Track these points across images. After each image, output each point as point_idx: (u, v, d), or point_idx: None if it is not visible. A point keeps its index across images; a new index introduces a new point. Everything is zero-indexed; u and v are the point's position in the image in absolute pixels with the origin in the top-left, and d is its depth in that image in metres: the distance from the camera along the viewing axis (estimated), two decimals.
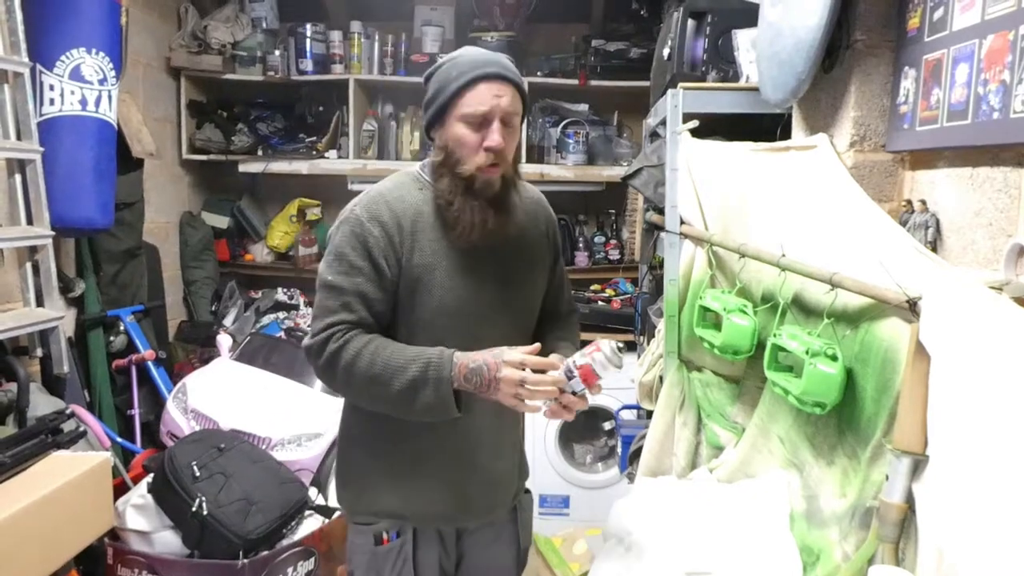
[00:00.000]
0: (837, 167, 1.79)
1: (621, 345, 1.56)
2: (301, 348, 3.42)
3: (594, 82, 4.35)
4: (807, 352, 1.57)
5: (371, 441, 1.76)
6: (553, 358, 1.63)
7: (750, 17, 2.28)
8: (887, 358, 1.46)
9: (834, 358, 1.55)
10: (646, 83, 3.45)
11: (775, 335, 1.72)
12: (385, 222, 1.62)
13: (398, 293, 1.64)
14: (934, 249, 1.59)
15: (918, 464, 1.32)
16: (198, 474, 2.53)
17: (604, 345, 1.55)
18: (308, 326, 1.63)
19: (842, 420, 1.62)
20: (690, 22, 2.49)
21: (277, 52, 4.40)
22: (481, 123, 1.57)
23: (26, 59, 2.73)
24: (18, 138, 2.75)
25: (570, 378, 1.56)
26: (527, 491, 1.99)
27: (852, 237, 1.64)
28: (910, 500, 1.33)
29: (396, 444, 1.73)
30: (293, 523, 2.66)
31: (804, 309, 1.79)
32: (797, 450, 1.77)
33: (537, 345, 1.62)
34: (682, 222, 2.37)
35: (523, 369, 1.52)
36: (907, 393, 1.33)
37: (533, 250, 1.80)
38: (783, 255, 1.78)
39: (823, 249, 1.71)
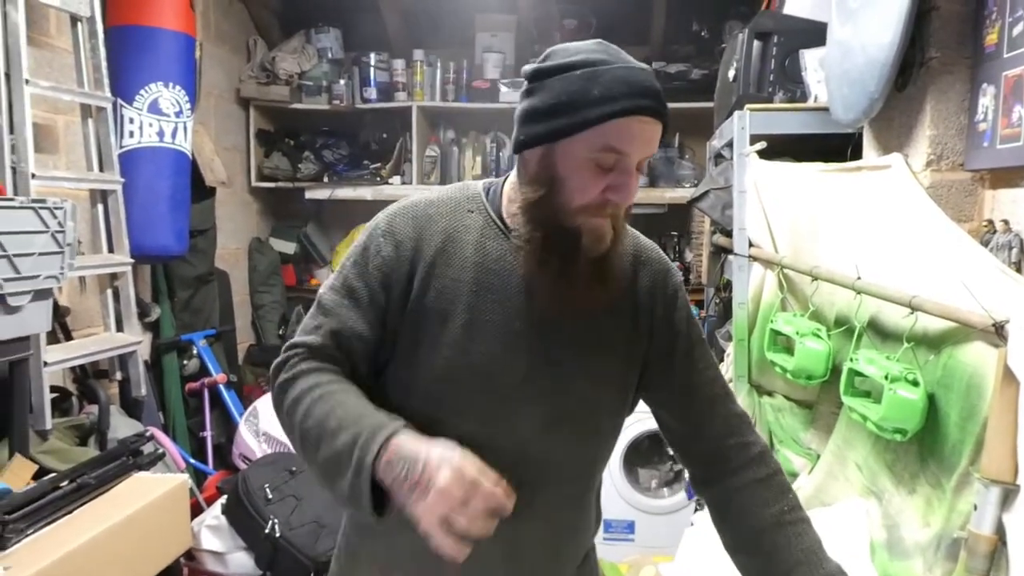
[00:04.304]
0: (913, 187, 1.75)
1: None
2: None
3: None
4: (886, 377, 1.53)
5: (348, 528, 1.34)
6: None
7: (817, 36, 2.26)
8: (972, 383, 1.41)
9: (915, 383, 1.51)
10: (707, 104, 3.43)
11: (851, 359, 1.69)
12: (401, 241, 1.18)
13: (398, 342, 1.19)
14: (1019, 270, 1.55)
15: (1008, 494, 1.28)
16: (270, 496, 2.58)
17: None
18: None
19: (924, 447, 1.57)
20: (756, 43, 2.48)
21: (342, 81, 4.50)
22: (613, 166, 1.09)
23: (108, 94, 2.85)
24: (100, 169, 2.87)
25: None
26: None
27: (931, 258, 1.60)
28: (1000, 531, 1.29)
29: (363, 539, 1.31)
30: None
31: (881, 333, 1.75)
32: (876, 477, 1.73)
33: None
34: (751, 244, 2.34)
35: (473, 488, 0.97)
36: (995, 420, 1.29)
37: (615, 327, 1.22)
38: (858, 277, 1.74)
39: (900, 271, 1.67)
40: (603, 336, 1.20)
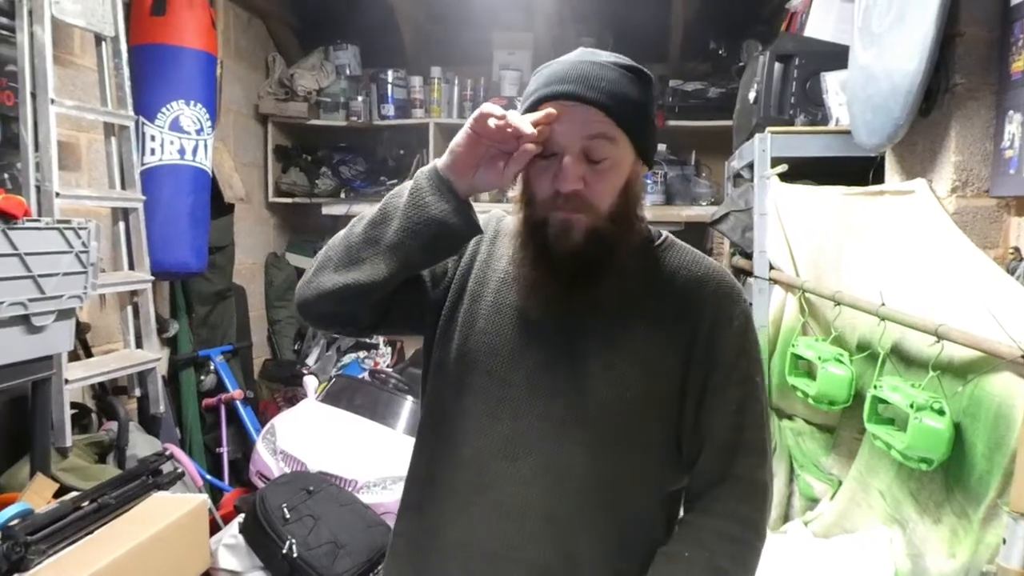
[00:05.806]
0: (938, 213, 1.75)
1: None
2: (385, 390, 3.52)
3: (672, 122, 4.33)
4: (911, 406, 1.52)
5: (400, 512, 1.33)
6: None
7: (838, 59, 2.26)
8: (1000, 414, 1.40)
9: (941, 412, 1.50)
10: (724, 122, 3.42)
11: (875, 387, 1.68)
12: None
13: (441, 311, 1.27)
14: None
15: None
16: (288, 516, 2.57)
17: None
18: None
19: (949, 477, 1.55)
20: (777, 65, 2.47)
21: (359, 98, 4.53)
22: (553, 155, 1.12)
23: (131, 112, 2.87)
24: (122, 187, 2.89)
25: None
26: None
27: (956, 285, 1.59)
28: None
29: (407, 517, 1.29)
30: (380, 567, 2.68)
31: (904, 359, 1.74)
32: (900, 506, 1.71)
33: None
34: (771, 267, 2.33)
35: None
36: None
37: (649, 337, 1.17)
38: (883, 304, 1.73)
39: (925, 298, 1.66)
40: (632, 343, 1.16)
